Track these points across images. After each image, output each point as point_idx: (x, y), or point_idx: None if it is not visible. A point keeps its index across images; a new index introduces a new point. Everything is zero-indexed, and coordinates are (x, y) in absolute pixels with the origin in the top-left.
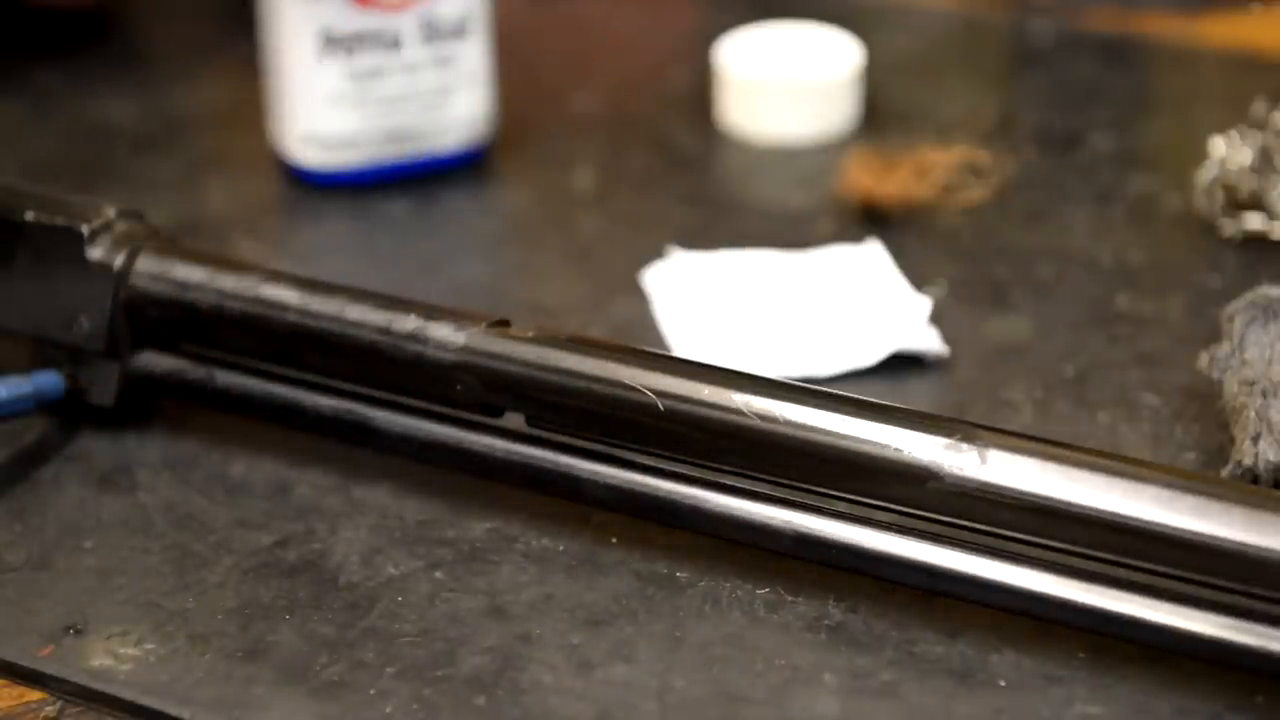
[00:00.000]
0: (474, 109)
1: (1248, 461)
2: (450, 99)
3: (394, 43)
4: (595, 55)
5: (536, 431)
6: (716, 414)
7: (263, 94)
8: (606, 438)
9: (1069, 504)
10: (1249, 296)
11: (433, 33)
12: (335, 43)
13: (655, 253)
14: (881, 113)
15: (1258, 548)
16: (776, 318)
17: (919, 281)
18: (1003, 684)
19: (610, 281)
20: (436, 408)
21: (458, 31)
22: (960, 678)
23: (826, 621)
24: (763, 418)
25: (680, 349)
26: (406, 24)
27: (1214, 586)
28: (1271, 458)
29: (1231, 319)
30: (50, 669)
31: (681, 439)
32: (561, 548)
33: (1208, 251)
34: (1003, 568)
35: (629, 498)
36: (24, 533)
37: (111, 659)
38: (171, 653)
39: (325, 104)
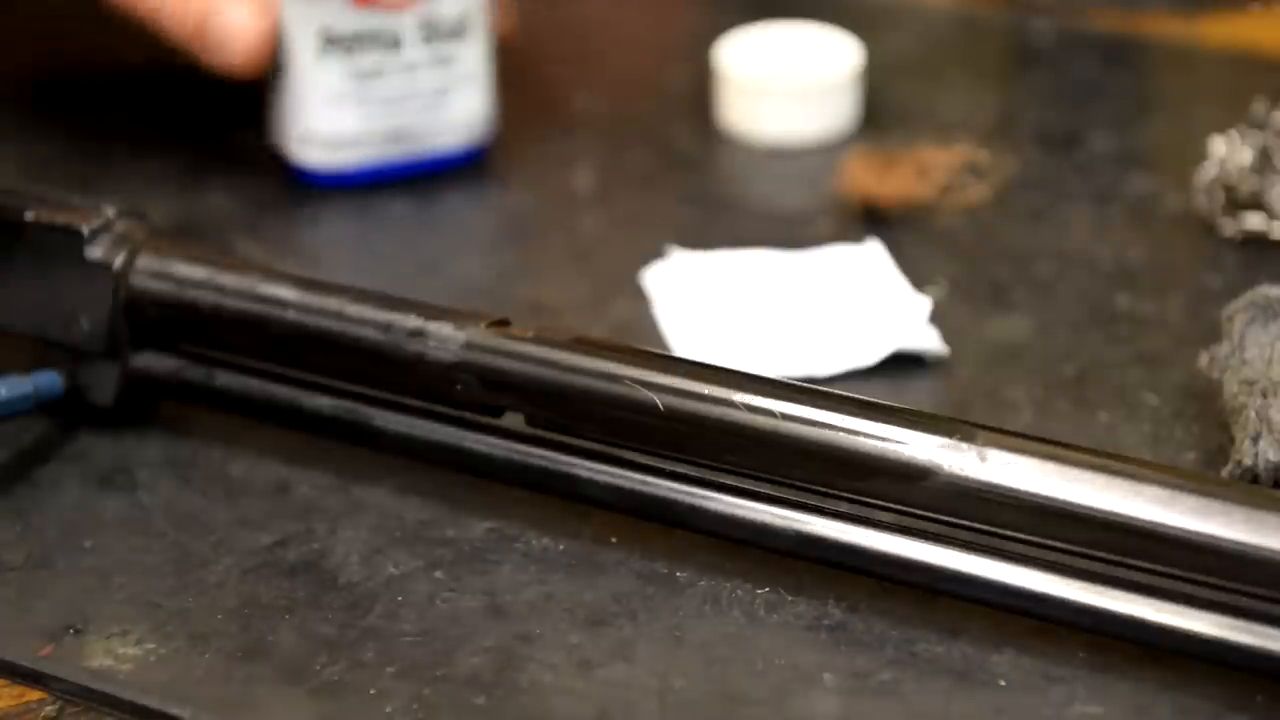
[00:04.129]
0: (474, 109)
1: (1248, 461)
2: (450, 99)
3: (394, 42)
4: (595, 55)
5: (536, 431)
6: (716, 414)
7: (263, 93)
8: (606, 438)
9: (1069, 504)
10: (1249, 296)
11: (433, 33)
12: (335, 42)
13: (655, 253)
14: (881, 113)
15: (1258, 548)
16: (776, 318)
17: (919, 281)
18: (1003, 684)
19: (610, 281)
20: (436, 408)
21: (457, 32)
22: (960, 678)
23: (826, 621)
24: (763, 417)
25: (680, 349)
26: (407, 24)
27: (1214, 586)
28: (1271, 458)
29: (1231, 319)
30: (50, 669)
31: (681, 439)
32: (561, 548)
33: (1208, 251)
34: (1003, 568)
35: (629, 498)
36: (24, 533)
37: (111, 659)
38: (171, 653)
39: (325, 103)
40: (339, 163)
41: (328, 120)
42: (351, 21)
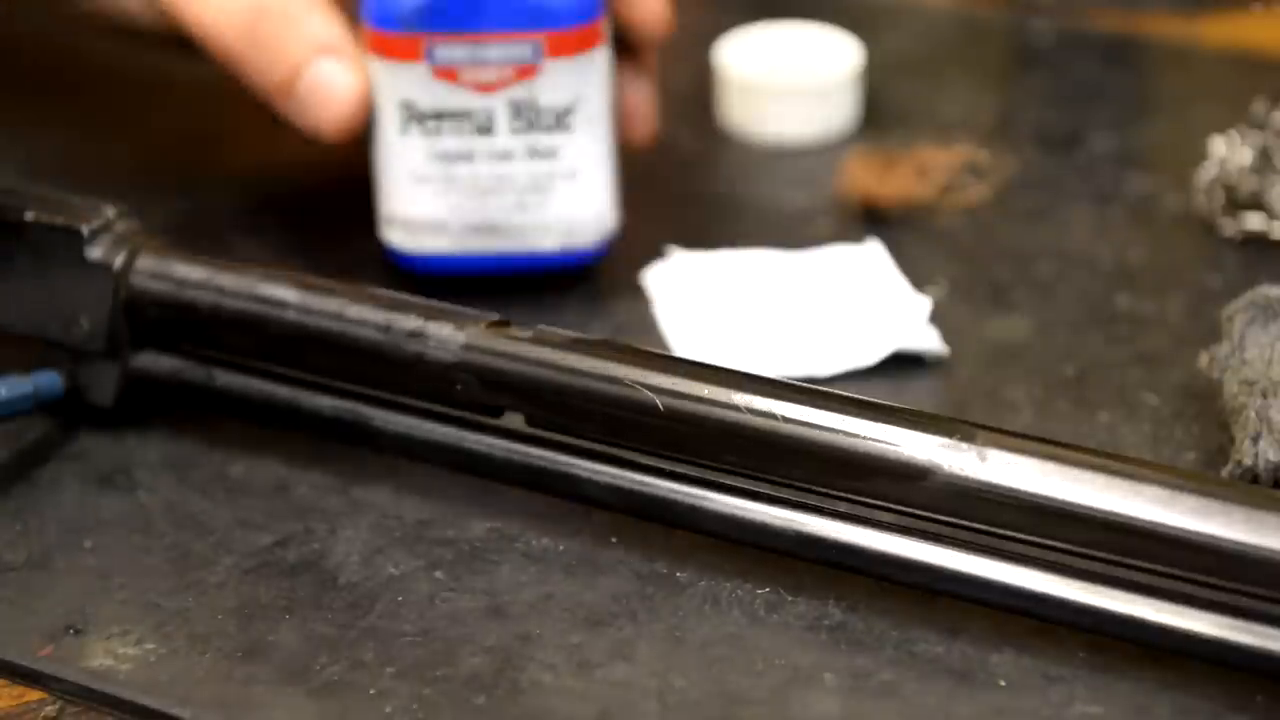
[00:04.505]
0: (580, 211)
1: (1248, 461)
2: (551, 196)
3: (484, 127)
4: None
5: (536, 431)
6: (716, 414)
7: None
8: (606, 438)
9: (1068, 504)
10: (1249, 296)
11: (529, 121)
12: (417, 118)
13: (655, 253)
14: (881, 113)
15: (1258, 548)
16: (776, 318)
17: (919, 281)
18: (1003, 684)
19: (610, 281)
20: (436, 408)
21: (560, 123)
22: (960, 678)
23: (826, 621)
24: (763, 417)
25: (680, 349)
26: (498, 107)
27: (1214, 586)
28: (1271, 458)
29: (1231, 319)
30: (50, 669)
31: (681, 439)
32: (561, 548)
33: (1208, 251)
34: (1003, 568)
35: (629, 498)
36: (24, 533)
37: (111, 659)
38: (171, 653)
39: (406, 183)
40: (423, 249)
41: (409, 202)
42: (434, 97)
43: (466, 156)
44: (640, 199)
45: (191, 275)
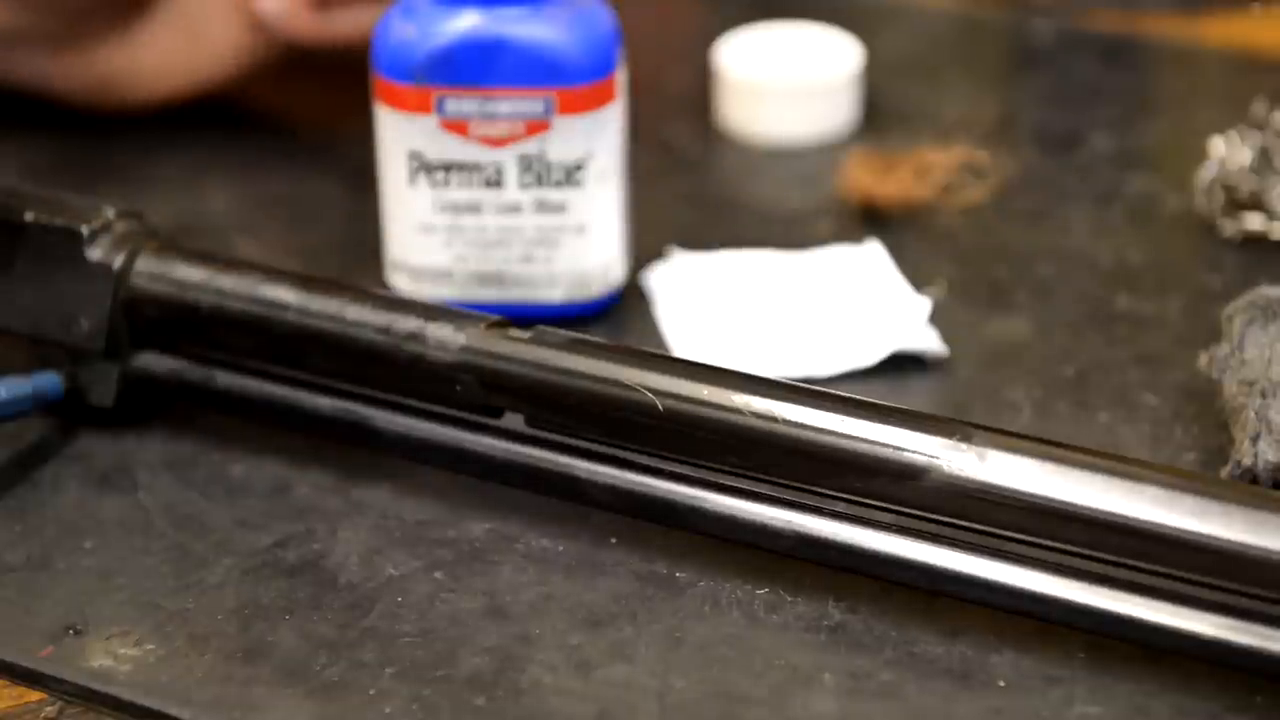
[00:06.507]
0: (588, 263)
1: (1247, 461)
2: (559, 251)
3: (493, 180)
4: None
5: (536, 431)
6: (716, 414)
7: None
8: (606, 438)
9: (1068, 504)
10: (1249, 296)
11: (538, 175)
12: (425, 169)
13: (655, 253)
14: (881, 113)
15: (1258, 548)
16: (776, 318)
17: (919, 281)
18: (1002, 684)
19: None
20: (436, 408)
21: (570, 178)
22: (960, 678)
23: (826, 622)
24: (762, 418)
25: (680, 349)
26: (507, 161)
27: (1214, 586)
28: (1271, 458)
29: (1231, 319)
30: (50, 669)
31: (681, 439)
32: (561, 548)
33: (1208, 251)
34: (1003, 568)
35: (629, 498)
36: (24, 533)
37: (111, 659)
38: (171, 653)
39: (412, 232)
40: (429, 297)
41: (414, 249)
42: (443, 149)
43: (474, 208)
44: (640, 199)
45: (191, 276)
